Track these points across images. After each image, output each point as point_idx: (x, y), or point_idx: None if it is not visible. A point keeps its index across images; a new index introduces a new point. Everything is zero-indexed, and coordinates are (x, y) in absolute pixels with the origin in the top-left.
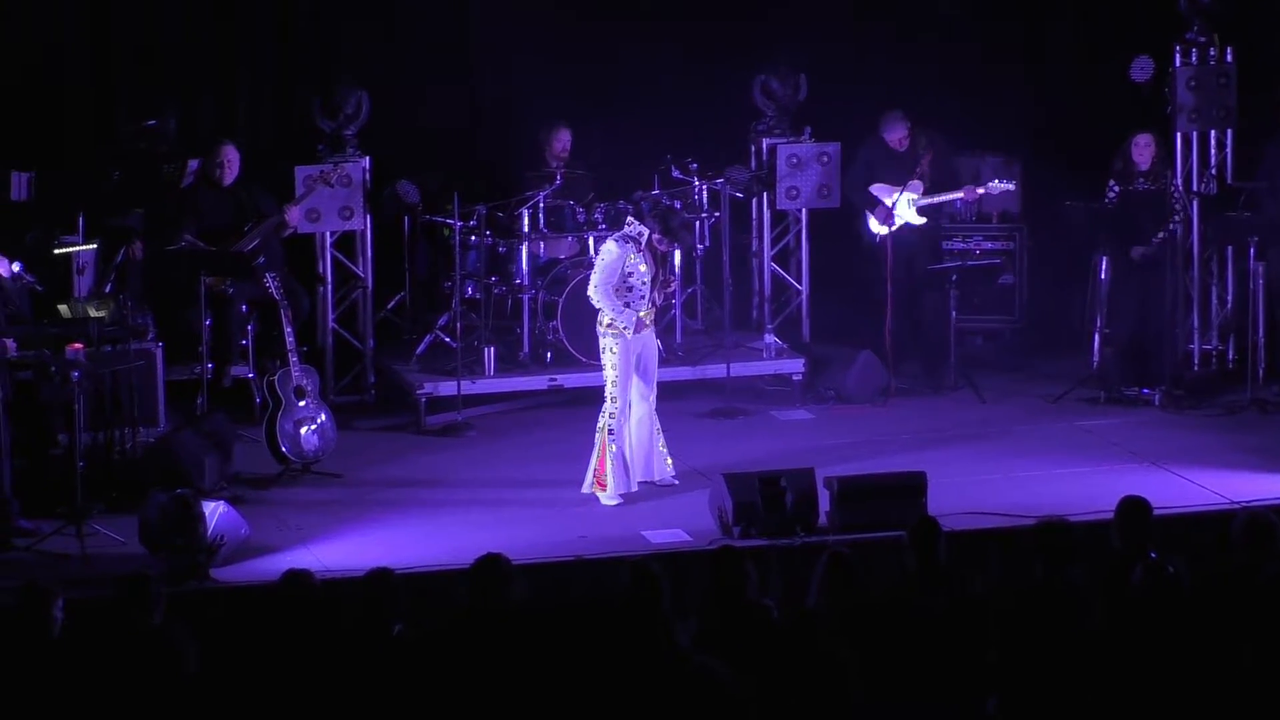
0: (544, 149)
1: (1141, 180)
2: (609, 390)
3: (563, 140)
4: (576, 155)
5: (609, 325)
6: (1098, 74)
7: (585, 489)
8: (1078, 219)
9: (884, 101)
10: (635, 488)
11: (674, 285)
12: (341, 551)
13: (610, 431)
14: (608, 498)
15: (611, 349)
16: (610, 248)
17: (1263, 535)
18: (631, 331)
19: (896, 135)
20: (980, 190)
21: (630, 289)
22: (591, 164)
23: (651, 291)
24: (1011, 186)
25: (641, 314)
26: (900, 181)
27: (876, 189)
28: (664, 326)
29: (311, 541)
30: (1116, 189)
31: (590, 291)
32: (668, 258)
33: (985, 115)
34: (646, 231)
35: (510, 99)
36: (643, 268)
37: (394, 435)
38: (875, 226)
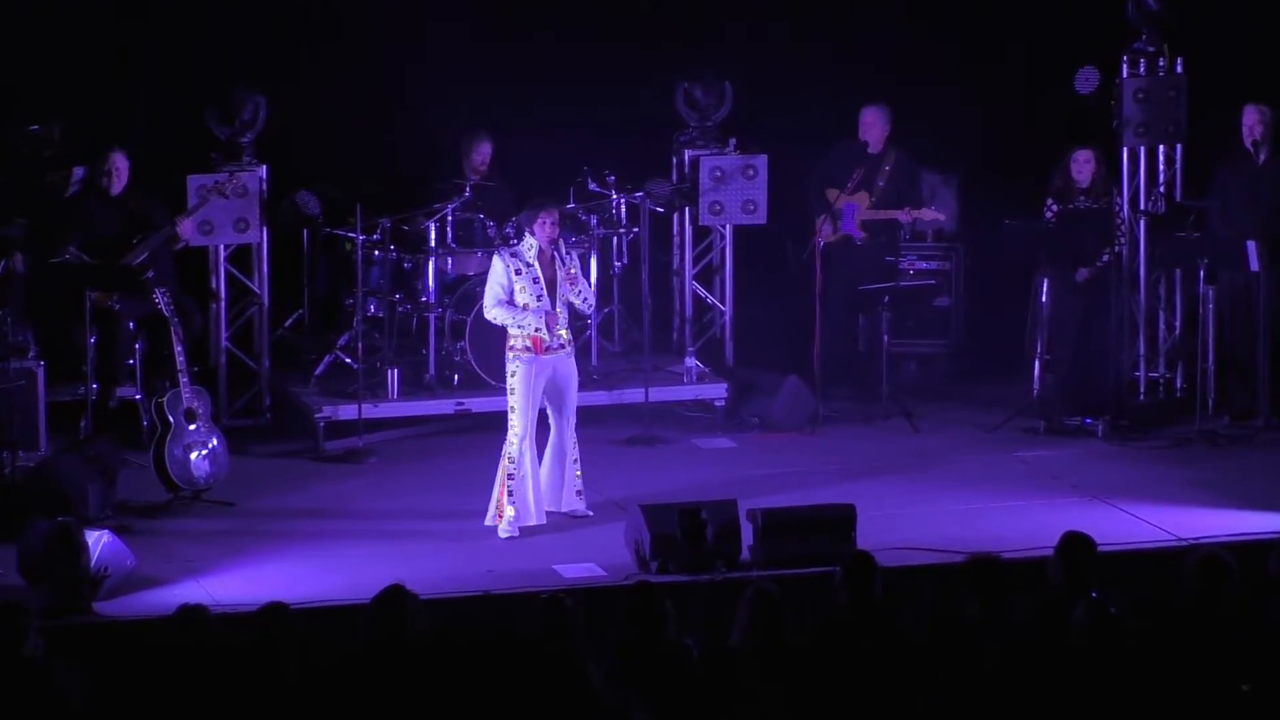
0: (462, 160)
1: (1082, 198)
2: (510, 416)
3: (483, 152)
4: (493, 167)
5: (510, 346)
6: (1040, 85)
7: (488, 520)
8: (1017, 238)
9: (813, 112)
10: (539, 520)
11: (574, 272)
12: (233, 585)
13: (511, 460)
14: (504, 529)
15: (514, 372)
16: (494, 263)
17: (1218, 576)
18: (545, 333)
19: (875, 134)
20: (914, 214)
21: (524, 307)
22: (506, 175)
23: (552, 303)
24: (941, 217)
25: (561, 333)
26: (850, 189)
27: (828, 194)
28: (579, 348)
29: (202, 574)
30: (1055, 208)
31: (486, 315)
32: (565, 260)
33: (921, 128)
34: (536, 242)
35: (419, 106)
36: (535, 281)
37: (291, 461)
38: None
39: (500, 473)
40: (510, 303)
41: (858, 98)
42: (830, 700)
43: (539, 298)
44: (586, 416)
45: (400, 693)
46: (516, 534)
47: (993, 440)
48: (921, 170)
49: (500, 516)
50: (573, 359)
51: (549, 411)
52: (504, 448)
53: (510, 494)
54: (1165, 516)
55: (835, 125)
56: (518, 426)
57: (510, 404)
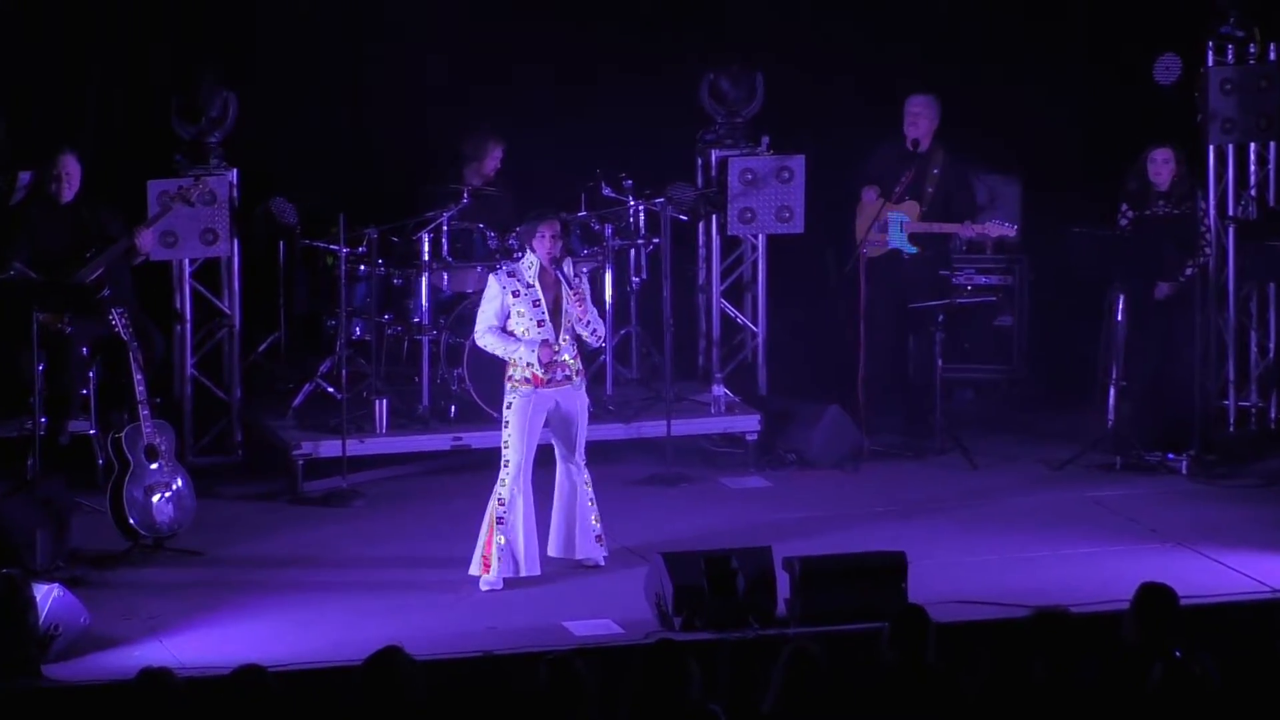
0: (466, 165)
1: (1161, 203)
2: (503, 452)
3: (495, 157)
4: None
5: (509, 376)
6: (1113, 75)
7: (473, 569)
8: (1088, 249)
9: (855, 106)
10: (530, 571)
11: (583, 291)
12: (202, 645)
13: (500, 502)
14: (487, 581)
15: (510, 403)
16: (489, 283)
17: None
18: (538, 367)
19: (922, 126)
20: (977, 229)
21: (524, 334)
22: (510, 179)
23: (556, 331)
24: (1011, 232)
25: (568, 360)
26: (897, 196)
27: (867, 195)
28: (591, 375)
29: (165, 633)
30: (1131, 214)
31: (478, 342)
32: (571, 284)
33: (977, 124)
34: (536, 260)
35: (410, 102)
36: (535, 304)
37: (265, 505)
38: (861, 223)
39: (488, 516)
40: (504, 329)
41: (905, 90)
42: None
43: (539, 324)
44: (600, 452)
45: None
46: (500, 586)
47: (1061, 478)
48: (975, 173)
49: (486, 566)
50: (582, 390)
51: (555, 449)
52: (494, 488)
53: (497, 541)
54: (1258, 564)
55: (880, 120)
56: (510, 465)
57: (504, 438)
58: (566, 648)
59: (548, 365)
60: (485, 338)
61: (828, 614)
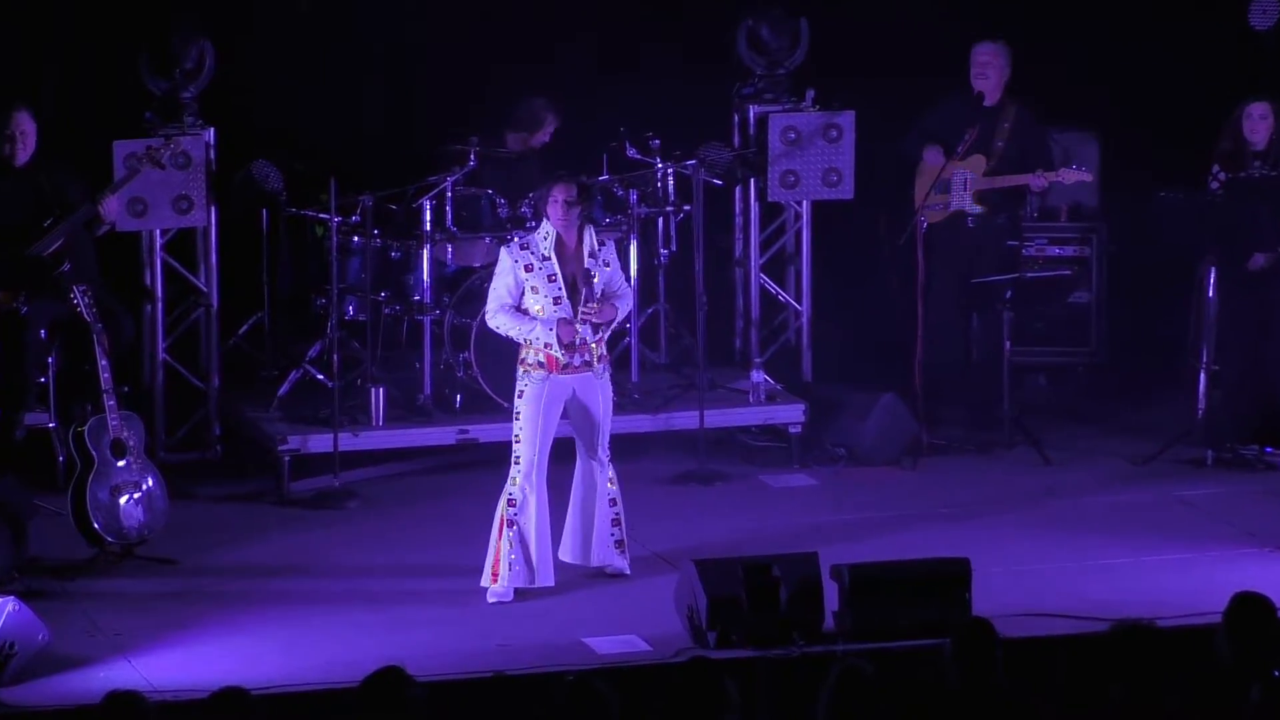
0: (512, 131)
1: (1257, 164)
2: (514, 446)
3: (549, 131)
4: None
5: (521, 360)
6: (1202, 21)
7: (484, 580)
8: (1175, 216)
9: (913, 55)
10: (545, 581)
11: (608, 268)
12: (175, 664)
13: (511, 503)
14: (495, 593)
15: (522, 391)
16: (501, 257)
17: None
18: (557, 349)
19: (991, 78)
20: (1050, 177)
21: (539, 313)
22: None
23: (573, 308)
24: (1087, 176)
25: (590, 345)
26: (962, 153)
27: (930, 155)
28: (616, 359)
29: (134, 651)
30: (1224, 176)
31: (489, 323)
32: (591, 255)
33: (1050, 77)
34: (554, 230)
35: (408, 51)
36: (550, 279)
37: (247, 507)
38: (921, 186)
39: (498, 519)
40: (518, 308)
41: (970, 36)
42: None
43: (556, 301)
44: (625, 447)
45: None
46: (510, 598)
47: (1144, 475)
48: (1049, 130)
49: (495, 576)
50: (605, 377)
51: (576, 444)
52: (505, 487)
53: (509, 547)
54: None
55: (942, 71)
56: (522, 461)
57: (515, 431)
58: (587, 667)
59: (568, 346)
60: (497, 317)
61: (881, 628)
